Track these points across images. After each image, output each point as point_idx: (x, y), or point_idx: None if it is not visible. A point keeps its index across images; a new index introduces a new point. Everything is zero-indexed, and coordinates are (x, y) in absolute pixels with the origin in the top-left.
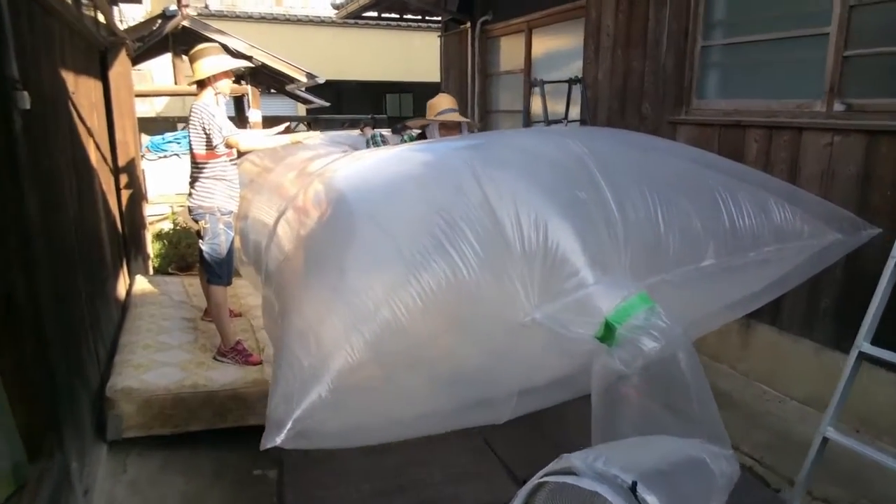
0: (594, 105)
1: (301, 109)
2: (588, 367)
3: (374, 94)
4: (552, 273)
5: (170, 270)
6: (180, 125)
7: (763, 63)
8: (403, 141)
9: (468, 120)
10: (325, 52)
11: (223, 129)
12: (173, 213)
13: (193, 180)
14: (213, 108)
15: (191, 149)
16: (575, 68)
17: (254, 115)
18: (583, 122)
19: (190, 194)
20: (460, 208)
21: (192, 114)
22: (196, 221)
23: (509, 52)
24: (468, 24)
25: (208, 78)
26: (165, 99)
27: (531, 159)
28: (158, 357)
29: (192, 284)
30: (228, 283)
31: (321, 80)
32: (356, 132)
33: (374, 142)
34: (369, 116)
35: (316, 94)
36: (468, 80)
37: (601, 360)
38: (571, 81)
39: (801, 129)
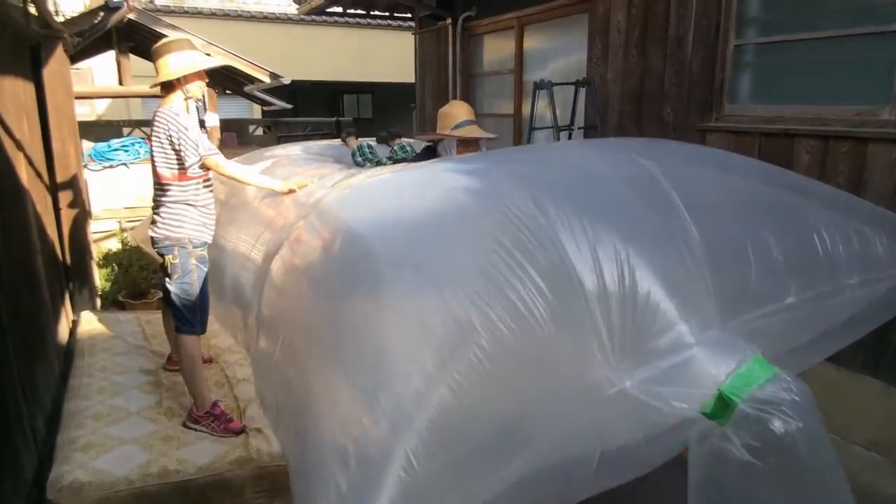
0: (603, 109)
1: (256, 111)
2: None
3: (330, 95)
4: (640, 326)
5: (120, 298)
6: (126, 130)
7: (811, 64)
8: (394, 153)
9: (494, 135)
10: (279, 51)
11: (199, 146)
12: (122, 231)
13: (157, 205)
14: (183, 118)
15: (153, 167)
16: (575, 69)
17: (210, 119)
18: (592, 127)
19: (153, 222)
20: (521, 244)
21: (157, 124)
22: (161, 256)
23: (496, 50)
24: (448, 21)
25: (178, 79)
26: (108, 100)
27: (599, 183)
28: (113, 431)
29: (149, 321)
30: (202, 330)
31: (286, 81)
32: (336, 142)
33: (361, 154)
34: (332, 120)
35: (270, 95)
36: (448, 81)
37: (709, 442)
38: (579, 83)
39: (866, 139)
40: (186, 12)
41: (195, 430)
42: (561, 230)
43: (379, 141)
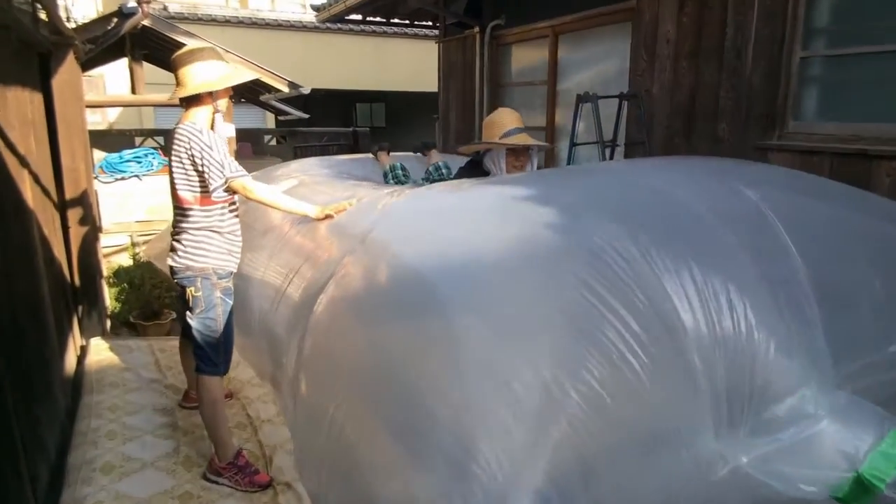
0: (649, 124)
1: (270, 121)
2: None
3: (343, 104)
4: (756, 390)
5: (131, 319)
6: (138, 140)
7: (891, 79)
8: (429, 175)
9: (547, 144)
10: (292, 59)
11: (225, 167)
12: (133, 245)
13: (178, 232)
14: (207, 135)
15: (173, 189)
16: (614, 81)
17: (227, 129)
18: (638, 143)
19: (173, 249)
20: (618, 291)
21: (178, 142)
22: (182, 288)
23: (527, 60)
24: (475, 29)
25: (205, 94)
26: (119, 108)
27: (699, 217)
28: (125, 487)
29: (163, 350)
30: (226, 370)
31: (306, 91)
32: (360, 156)
33: (395, 177)
34: (349, 130)
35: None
36: (475, 92)
37: None
38: (624, 97)
39: None
40: (200, 19)
41: (217, 482)
42: (665, 275)
43: (414, 151)
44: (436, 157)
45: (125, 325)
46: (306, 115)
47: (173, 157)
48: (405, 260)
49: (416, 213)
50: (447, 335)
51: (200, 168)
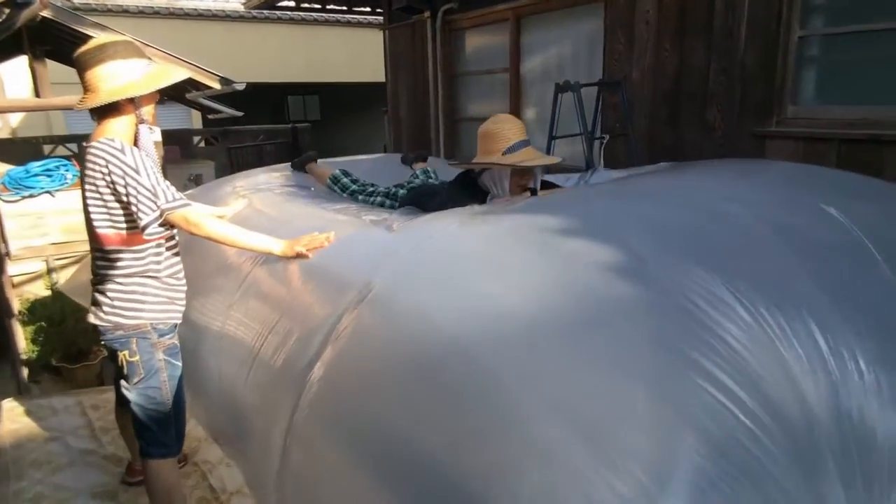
0: (632, 113)
1: (196, 120)
2: None
3: (273, 98)
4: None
5: (53, 363)
6: (48, 148)
7: None
8: (413, 179)
9: (558, 159)
10: (216, 51)
11: (159, 195)
12: (49, 272)
13: (101, 280)
14: (132, 154)
15: (89, 224)
16: (585, 67)
17: (152, 134)
18: (621, 135)
19: (96, 303)
20: (729, 364)
21: (92, 165)
22: (113, 351)
23: (484, 46)
24: (426, 14)
25: (125, 102)
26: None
27: (793, 248)
28: None
29: (96, 406)
30: (179, 449)
31: (241, 87)
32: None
33: (337, 184)
34: (288, 126)
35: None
36: (429, 82)
37: None
38: (605, 84)
39: None
40: (110, 10)
41: None
42: (782, 341)
43: (404, 162)
44: (421, 167)
45: (47, 370)
46: (240, 113)
47: (87, 185)
48: (435, 323)
49: (432, 255)
50: (507, 432)
51: (125, 199)
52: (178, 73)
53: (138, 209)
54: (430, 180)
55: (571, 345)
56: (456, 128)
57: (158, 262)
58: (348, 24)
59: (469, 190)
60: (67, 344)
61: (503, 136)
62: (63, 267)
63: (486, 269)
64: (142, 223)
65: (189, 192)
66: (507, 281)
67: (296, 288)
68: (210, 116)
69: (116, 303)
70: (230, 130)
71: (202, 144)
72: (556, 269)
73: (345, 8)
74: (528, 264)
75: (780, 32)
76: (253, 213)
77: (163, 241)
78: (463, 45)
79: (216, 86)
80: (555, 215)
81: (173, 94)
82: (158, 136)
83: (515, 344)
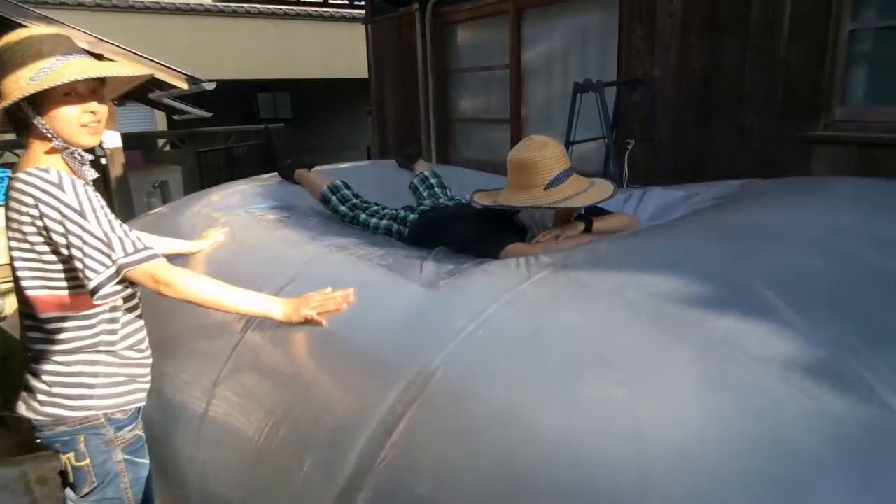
0: (658, 116)
1: (161, 121)
2: None
3: (242, 95)
4: None
5: None
6: None
7: None
8: (423, 197)
9: (611, 187)
10: (181, 47)
11: (113, 244)
12: None
13: (34, 356)
14: (70, 189)
15: (16, 282)
16: (595, 64)
17: (109, 138)
18: (646, 140)
19: (28, 388)
20: None
21: (17, 202)
22: (57, 452)
23: (480, 41)
24: (414, 7)
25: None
26: None
27: None
28: None
29: (43, 479)
30: None
31: (210, 86)
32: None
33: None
34: (261, 127)
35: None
36: (418, 80)
37: None
38: (630, 83)
39: None
40: (65, 4)
41: None
42: None
43: (399, 164)
44: (421, 166)
45: None
46: (208, 114)
47: (12, 232)
48: (553, 440)
49: (509, 331)
50: None
51: (65, 251)
52: (127, 69)
53: (85, 266)
54: (440, 199)
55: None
56: (448, 128)
57: (113, 332)
58: (321, 17)
59: (502, 224)
60: (12, 387)
61: (545, 166)
62: (7, 293)
63: (600, 361)
64: (90, 285)
65: (157, 210)
66: (637, 381)
67: (311, 365)
68: (176, 117)
69: (56, 389)
70: (198, 132)
71: (167, 148)
72: (708, 366)
73: (320, 0)
74: (658, 354)
75: (830, 26)
76: (234, 246)
77: (119, 301)
78: (455, 41)
79: (183, 85)
80: (665, 271)
81: (134, 94)
82: (118, 141)
83: (670, 479)
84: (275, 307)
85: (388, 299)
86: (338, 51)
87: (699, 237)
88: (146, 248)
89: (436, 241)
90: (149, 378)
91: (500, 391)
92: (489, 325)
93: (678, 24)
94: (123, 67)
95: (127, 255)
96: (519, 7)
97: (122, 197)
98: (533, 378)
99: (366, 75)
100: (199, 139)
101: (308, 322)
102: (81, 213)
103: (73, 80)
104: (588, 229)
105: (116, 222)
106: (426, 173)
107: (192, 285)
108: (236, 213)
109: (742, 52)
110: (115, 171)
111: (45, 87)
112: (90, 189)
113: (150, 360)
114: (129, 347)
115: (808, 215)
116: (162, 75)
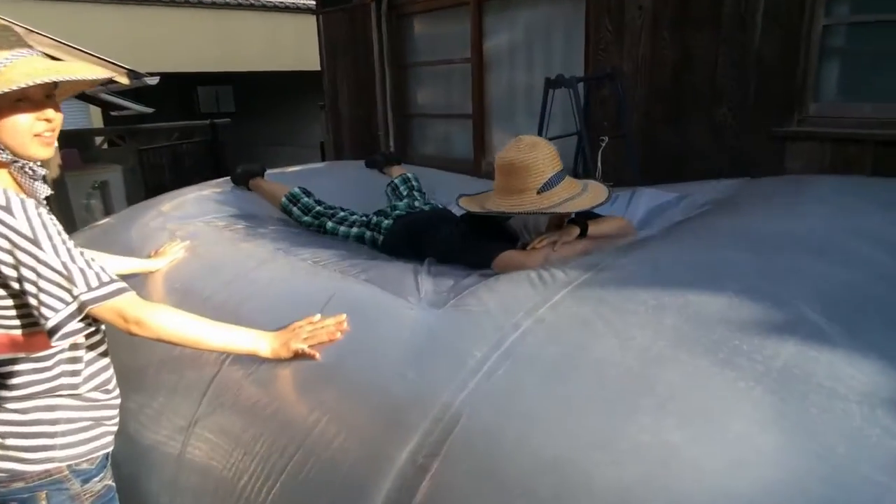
0: (630, 111)
1: (96, 117)
2: None
3: (181, 89)
4: None
5: None
6: None
7: None
8: (398, 199)
9: (605, 190)
10: (113, 39)
11: (74, 277)
12: None
13: None
14: (22, 213)
15: None
16: (561, 58)
17: None
18: (620, 136)
19: None
20: None
21: None
22: None
23: (438, 34)
24: None
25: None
26: None
27: None
28: None
29: None
30: None
31: (153, 81)
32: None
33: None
34: (206, 122)
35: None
36: (374, 74)
37: None
38: (600, 77)
39: None
40: None
41: None
42: None
43: (368, 165)
44: (399, 171)
45: None
46: (150, 110)
47: None
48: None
49: (538, 363)
50: None
51: (16, 286)
52: (83, 70)
53: (40, 303)
54: (417, 202)
55: None
56: (407, 124)
57: (76, 374)
58: (264, 7)
59: (489, 230)
60: None
61: (537, 168)
62: None
63: (651, 400)
64: (48, 324)
65: (103, 222)
66: (699, 423)
67: (307, 407)
68: (113, 113)
69: (11, 440)
70: (139, 129)
71: (105, 146)
72: (781, 404)
73: None
74: (719, 390)
75: (804, 21)
76: (195, 264)
77: (81, 338)
78: (411, 34)
79: (123, 80)
80: (700, 289)
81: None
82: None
83: None
84: (260, 343)
85: (387, 324)
86: (283, 42)
87: (722, 246)
88: (112, 280)
89: (414, 248)
90: (117, 420)
91: (538, 437)
92: (512, 358)
93: (648, 16)
94: (83, 69)
95: (90, 289)
96: (480, 1)
97: (59, 200)
98: (575, 422)
99: (315, 68)
100: (139, 136)
101: (298, 356)
102: (35, 242)
103: (27, 85)
104: (583, 234)
105: (77, 250)
106: (408, 175)
107: (168, 323)
108: (194, 223)
109: (714, 47)
110: (51, 171)
111: (6, 90)
112: (44, 211)
113: (118, 401)
114: (96, 388)
115: (820, 219)
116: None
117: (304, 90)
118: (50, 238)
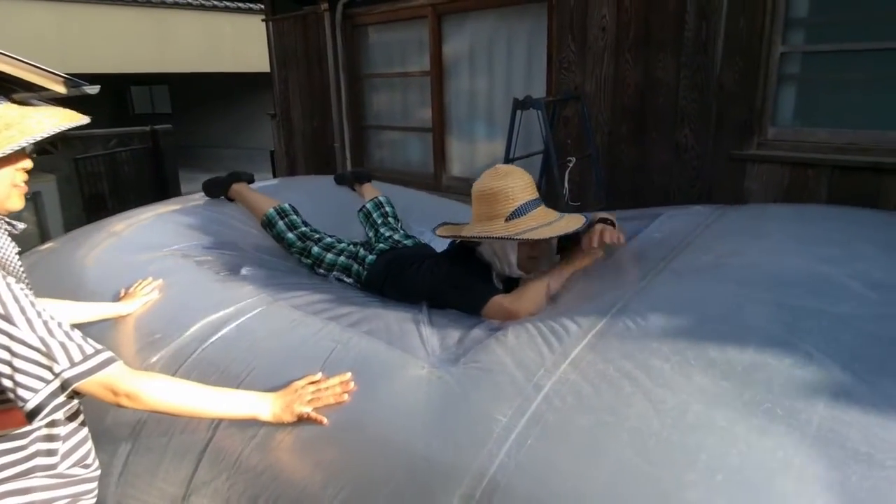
0: (593, 131)
1: None
2: None
3: (114, 89)
4: None
5: None
6: None
7: (893, 79)
8: (368, 214)
9: (581, 220)
10: (43, 38)
11: (54, 352)
12: None
13: None
14: None
15: None
16: (522, 75)
17: None
18: (588, 155)
19: None
20: None
21: None
22: None
23: (395, 46)
24: (323, 7)
25: None
26: None
27: None
28: None
29: None
30: None
31: (93, 90)
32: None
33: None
34: (146, 129)
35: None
36: (329, 84)
37: None
38: (563, 99)
39: None
40: None
41: None
42: None
43: (338, 181)
44: (371, 191)
45: None
46: (87, 119)
47: None
48: None
49: (569, 435)
50: None
51: None
52: (59, 119)
53: (17, 384)
54: (397, 234)
55: None
56: (362, 136)
57: (53, 453)
58: (202, 7)
59: (466, 263)
60: None
61: (506, 195)
62: None
63: (702, 474)
64: (27, 406)
65: (46, 246)
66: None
67: (322, 478)
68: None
69: None
70: (73, 136)
71: (34, 155)
72: (843, 481)
73: None
74: (774, 463)
75: (762, 48)
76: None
77: (61, 413)
78: (365, 44)
79: (60, 89)
80: (721, 339)
81: None
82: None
83: None
84: (260, 407)
85: (399, 385)
86: (222, 43)
87: (735, 292)
88: (97, 350)
89: (396, 287)
90: (95, 493)
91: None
92: (542, 425)
93: (611, 37)
94: (66, 116)
95: (74, 364)
96: (439, 13)
97: None
98: (623, 500)
99: (255, 70)
100: (74, 143)
101: (301, 419)
102: (6, 318)
103: (37, 139)
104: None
105: (54, 322)
106: (381, 199)
107: (162, 395)
108: (162, 255)
109: (676, 70)
110: None
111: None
112: (12, 281)
113: (98, 472)
114: (75, 464)
115: (832, 262)
116: (36, 78)
117: (243, 91)
118: (23, 312)
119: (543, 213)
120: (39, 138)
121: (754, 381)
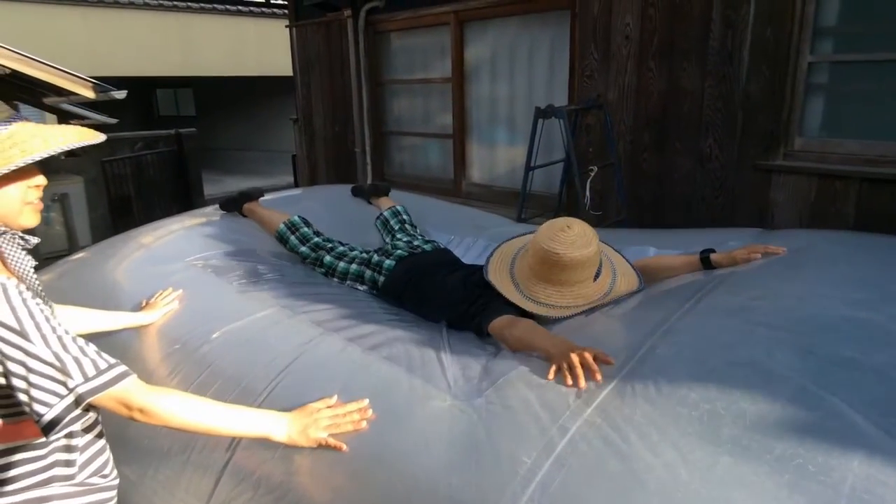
0: (616, 140)
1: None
2: None
3: (140, 93)
4: None
5: None
6: None
7: None
8: (385, 222)
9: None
10: (70, 43)
11: (68, 367)
12: None
13: None
14: (5, 301)
15: None
16: (543, 83)
17: None
18: (610, 164)
19: None
20: None
21: None
22: None
23: (417, 53)
24: (346, 14)
25: None
26: None
27: None
28: None
29: None
30: None
31: (121, 95)
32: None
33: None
34: (171, 132)
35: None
36: (351, 90)
37: None
38: (585, 108)
39: None
40: None
41: None
42: None
43: (355, 193)
44: (387, 202)
45: None
46: (114, 121)
47: None
48: None
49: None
50: None
51: (5, 381)
52: (66, 137)
53: (32, 399)
54: (416, 240)
55: None
56: (384, 141)
57: (71, 463)
58: (227, 12)
59: (485, 282)
60: None
61: (566, 273)
62: None
63: None
64: (42, 420)
65: (77, 256)
66: None
67: (337, 502)
68: (72, 122)
69: None
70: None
71: (63, 157)
72: None
73: None
74: None
75: (790, 57)
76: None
77: (78, 424)
78: (387, 50)
79: (89, 94)
80: (748, 391)
81: (27, 99)
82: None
83: None
84: (275, 427)
85: (420, 417)
86: (246, 48)
87: (764, 336)
88: (111, 365)
89: (416, 294)
90: (115, 501)
91: None
92: (567, 468)
93: (634, 47)
94: (78, 135)
95: (88, 379)
96: (461, 20)
97: None
98: None
99: (278, 73)
100: (101, 146)
101: (320, 445)
102: (22, 334)
103: (35, 159)
104: None
105: (69, 336)
106: (398, 208)
107: (175, 411)
108: (183, 265)
109: (701, 79)
110: None
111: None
112: (28, 296)
113: (116, 481)
114: (93, 474)
115: (863, 307)
116: (65, 83)
117: (266, 95)
118: (38, 328)
119: (589, 290)
120: (38, 158)
121: (784, 435)
